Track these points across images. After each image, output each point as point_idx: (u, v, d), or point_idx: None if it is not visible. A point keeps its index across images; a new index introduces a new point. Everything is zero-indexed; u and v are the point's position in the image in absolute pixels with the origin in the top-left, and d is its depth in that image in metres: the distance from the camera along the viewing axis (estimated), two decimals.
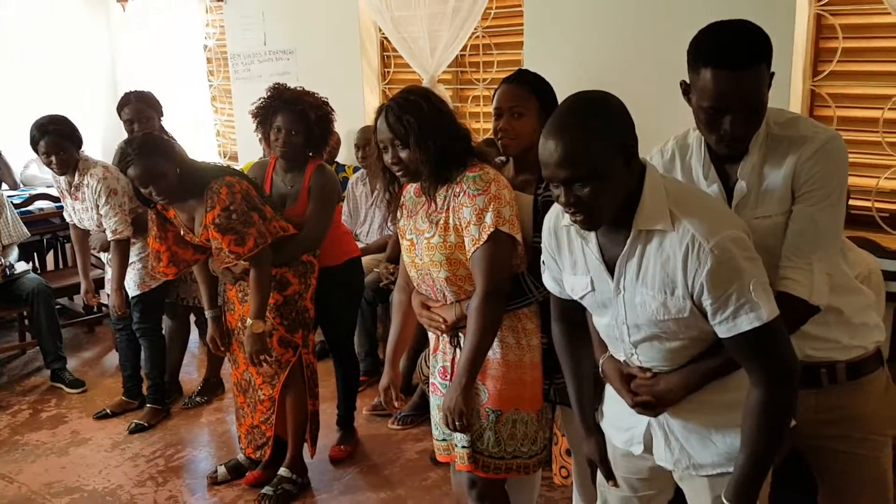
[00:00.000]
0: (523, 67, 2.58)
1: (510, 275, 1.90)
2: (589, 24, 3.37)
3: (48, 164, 3.39)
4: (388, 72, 4.56)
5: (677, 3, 3.06)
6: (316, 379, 2.91)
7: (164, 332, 3.62)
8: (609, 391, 1.64)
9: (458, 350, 1.98)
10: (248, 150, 4.77)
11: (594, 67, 3.33)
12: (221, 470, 3.00)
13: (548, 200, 1.82)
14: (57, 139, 3.29)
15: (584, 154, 1.29)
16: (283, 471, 2.85)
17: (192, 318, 3.96)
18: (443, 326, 1.97)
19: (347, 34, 4.50)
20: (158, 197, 2.58)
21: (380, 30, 4.40)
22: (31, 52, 6.03)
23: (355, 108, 4.42)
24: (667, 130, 1.63)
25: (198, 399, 3.71)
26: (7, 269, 3.85)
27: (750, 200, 1.47)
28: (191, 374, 3.99)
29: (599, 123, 1.31)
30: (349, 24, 4.48)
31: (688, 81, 1.45)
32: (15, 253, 4.06)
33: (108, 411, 3.59)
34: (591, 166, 1.29)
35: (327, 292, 2.84)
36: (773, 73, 1.42)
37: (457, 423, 1.89)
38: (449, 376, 2.00)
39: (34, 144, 3.34)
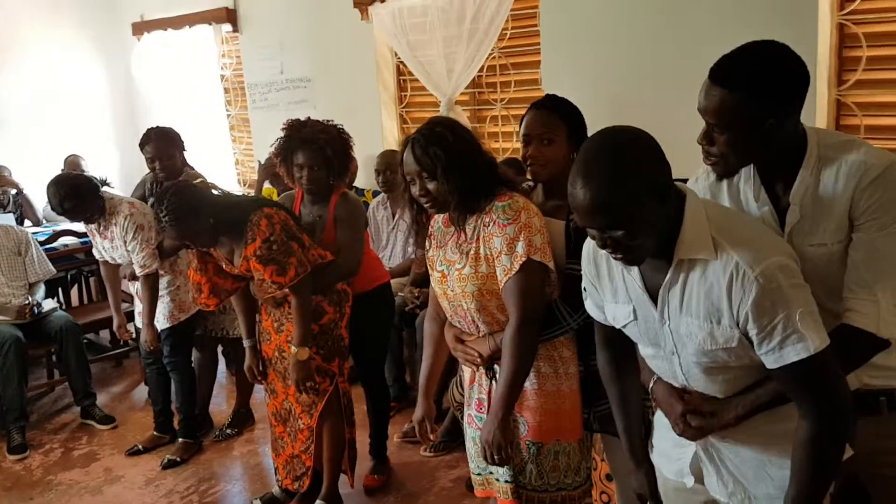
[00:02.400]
0: (544, 90, 2.57)
1: (544, 304, 1.88)
2: (606, 40, 3.37)
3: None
4: (405, 95, 4.58)
5: (696, 19, 3.05)
6: (352, 407, 2.91)
7: (193, 364, 3.63)
8: (658, 420, 1.61)
9: (494, 382, 1.96)
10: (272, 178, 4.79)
11: (612, 84, 3.32)
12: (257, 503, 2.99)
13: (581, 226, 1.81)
14: (75, 206, 3.29)
15: (614, 201, 1.26)
16: (319, 503, 2.84)
17: (220, 349, 3.97)
18: (478, 361, 1.96)
19: (363, 60, 4.53)
20: (197, 248, 2.64)
21: (395, 54, 4.42)
22: (51, 90, 6.11)
23: (373, 132, 4.43)
24: (688, 149, 1.60)
25: (228, 431, 3.71)
26: (35, 308, 3.88)
27: (804, 227, 1.43)
28: (220, 405, 3.98)
29: (629, 167, 1.28)
30: (365, 50, 4.50)
31: None
32: (42, 290, 4.09)
33: (140, 447, 3.59)
34: (622, 213, 1.27)
35: (359, 319, 2.84)
36: (783, 112, 1.36)
37: (496, 457, 1.87)
38: (486, 409, 1.98)
39: (52, 206, 3.35)
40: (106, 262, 3.58)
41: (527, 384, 1.90)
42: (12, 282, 3.93)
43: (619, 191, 1.26)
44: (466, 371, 2.09)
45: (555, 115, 2.01)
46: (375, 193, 4.22)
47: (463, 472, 3.15)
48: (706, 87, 1.37)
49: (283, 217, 2.60)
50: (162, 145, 3.49)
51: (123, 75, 6.48)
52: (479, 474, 2.07)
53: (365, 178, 4.40)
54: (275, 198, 3.68)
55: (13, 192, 5.35)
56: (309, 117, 2.83)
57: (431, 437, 2.18)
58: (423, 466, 3.28)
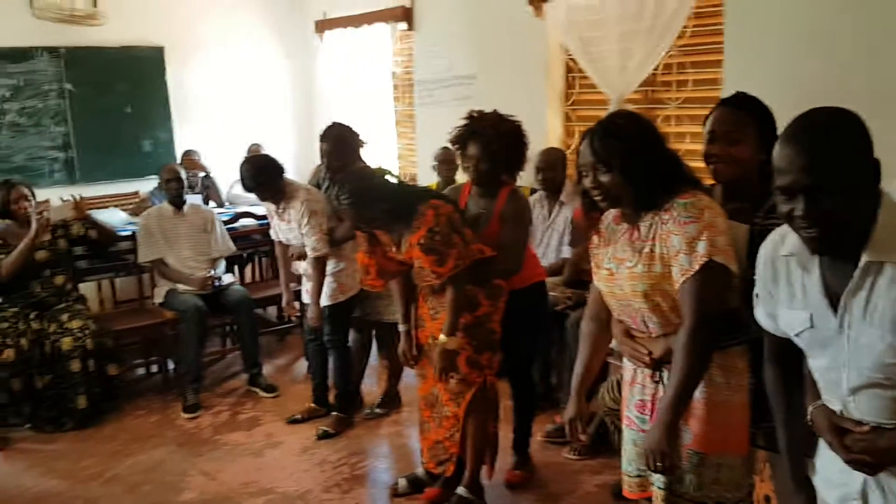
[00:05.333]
0: (726, 91, 2.44)
1: (722, 309, 1.78)
2: (801, 41, 3.12)
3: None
4: (573, 93, 4.52)
5: None
6: (498, 401, 2.91)
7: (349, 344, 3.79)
8: (823, 441, 1.48)
9: (659, 386, 1.88)
10: (428, 172, 4.92)
11: (804, 89, 3.07)
12: (402, 482, 3.07)
13: (766, 229, 1.69)
14: (262, 184, 3.56)
15: (833, 160, 1.18)
16: (461, 490, 2.86)
17: (374, 332, 4.11)
18: (646, 359, 1.88)
19: (532, 56, 4.52)
20: (370, 231, 2.75)
21: (566, 50, 4.38)
22: (238, 84, 6.62)
23: (537, 130, 4.40)
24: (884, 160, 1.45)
25: (378, 410, 3.84)
26: (216, 281, 4.21)
27: None
28: (370, 386, 4.13)
29: (849, 132, 1.20)
30: (534, 47, 4.50)
31: None
32: (222, 265, 4.43)
33: (299, 416, 3.80)
34: (839, 175, 1.18)
35: (512, 315, 2.83)
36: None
37: (658, 464, 1.79)
38: (648, 411, 1.90)
39: (243, 182, 3.62)
40: (280, 243, 3.82)
41: (696, 393, 1.80)
42: (198, 256, 4.29)
43: (841, 150, 1.19)
44: (627, 371, 2.02)
45: (744, 113, 1.90)
46: (533, 191, 4.20)
47: (607, 479, 3.06)
48: None
49: (449, 210, 2.65)
50: (340, 140, 3.60)
51: (304, 71, 6.88)
52: (635, 476, 2.00)
53: (524, 175, 4.38)
54: (434, 189, 3.76)
55: (202, 175, 5.85)
56: (495, 110, 2.83)
57: (582, 437, 2.13)
58: (566, 468, 3.22)
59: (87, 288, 4.34)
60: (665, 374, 1.85)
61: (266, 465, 3.38)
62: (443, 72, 5.23)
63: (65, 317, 3.83)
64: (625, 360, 2.01)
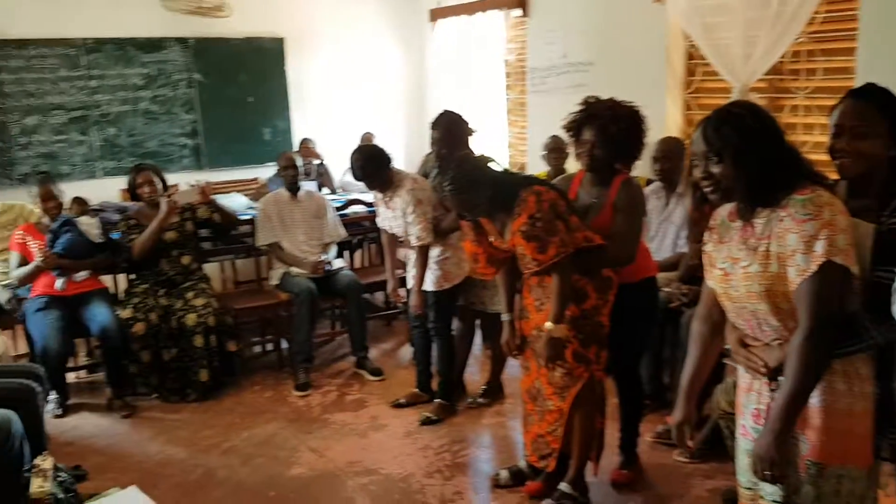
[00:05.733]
0: (859, 80, 2.26)
1: (841, 312, 1.65)
2: None
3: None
4: (693, 81, 4.34)
5: None
6: (605, 397, 2.84)
7: (453, 332, 3.81)
8: None
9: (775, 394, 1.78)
10: (538, 161, 4.86)
11: None
12: (504, 474, 3.06)
13: (894, 228, 1.56)
14: (371, 173, 3.62)
15: None
16: (564, 486, 2.82)
17: (478, 322, 4.11)
18: (762, 370, 1.78)
19: (652, 43, 4.38)
20: (473, 218, 2.74)
21: (687, 37, 4.21)
22: (353, 73, 6.78)
23: (656, 118, 4.22)
24: None
25: (480, 400, 3.84)
26: (327, 265, 4.34)
27: None
28: (473, 375, 4.14)
29: None
30: (654, 33, 4.35)
31: None
32: (333, 250, 4.56)
33: (403, 401, 3.86)
34: None
35: (620, 310, 2.74)
36: None
37: (765, 473, 1.70)
38: (764, 421, 1.80)
39: (353, 171, 3.70)
40: (386, 231, 3.88)
41: (814, 400, 1.69)
42: (311, 240, 4.44)
43: None
44: (742, 377, 1.92)
45: (873, 106, 1.77)
46: (649, 182, 4.07)
47: (720, 484, 2.94)
48: None
49: (553, 196, 2.59)
50: (450, 129, 3.61)
51: (418, 59, 6.96)
52: (748, 489, 1.90)
53: (640, 165, 4.25)
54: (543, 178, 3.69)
55: (316, 162, 6.03)
56: (612, 98, 2.75)
57: (689, 443, 2.05)
58: (676, 471, 3.11)
59: (210, 268, 4.59)
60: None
61: (370, 446, 3.46)
62: (557, 59, 5.15)
63: (190, 294, 4.06)
64: (740, 367, 1.91)
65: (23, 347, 4.10)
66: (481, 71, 6.03)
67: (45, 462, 2.43)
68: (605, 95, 2.80)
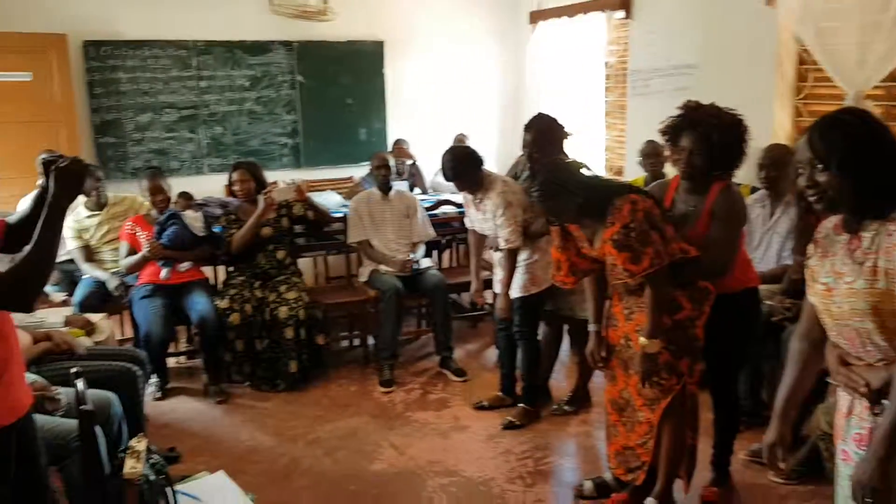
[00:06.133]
0: None
1: None
2: None
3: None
4: (804, 86, 4.12)
5: None
6: (697, 411, 2.73)
7: (539, 337, 3.75)
8: None
9: (879, 419, 1.64)
10: (636, 166, 4.73)
11: None
12: (588, 485, 2.99)
13: None
14: (462, 174, 3.61)
15: None
16: (650, 501, 2.72)
17: (566, 328, 4.03)
18: (863, 390, 1.65)
19: (761, 46, 4.20)
20: (562, 224, 2.69)
21: (799, 41, 4.00)
22: (449, 75, 6.82)
23: (762, 125, 4.07)
24: None
25: (566, 408, 3.77)
26: (414, 265, 4.37)
27: None
28: (559, 381, 4.06)
29: None
30: (764, 36, 4.17)
31: None
32: (422, 250, 4.59)
33: (486, 403, 3.83)
34: None
35: (718, 322, 2.62)
36: None
37: (866, 501, 1.57)
38: (866, 445, 1.67)
39: (444, 171, 3.69)
40: (474, 232, 3.86)
41: None
42: (399, 239, 4.49)
43: None
44: (842, 399, 1.78)
45: None
46: (753, 190, 3.88)
47: None
48: None
49: (648, 205, 2.50)
50: (544, 132, 3.53)
51: (515, 62, 6.93)
52: None
53: (744, 172, 4.07)
54: (640, 184, 3.59)
55: (409, 162, 6.10)
56: (713, 103, 2.64)
57: (781, 465, 1.93)
58: (770, 492, 2.95)
59: (304, 263, 4.71)
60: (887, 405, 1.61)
61: (452, 447, 3.45)
62: (660, 61, 5.02)
63: (283, 288, 4.18)
64: (840, 387, 1.78)
65: (129, 332, 4.32)
66: (580, 73, 5.94)
67: (140, 444, 2.53)
68: (709, 99, 2.68)
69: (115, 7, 5.64)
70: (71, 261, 4.43)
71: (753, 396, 3.46)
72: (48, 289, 4.34)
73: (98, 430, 2.50)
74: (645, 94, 5.19)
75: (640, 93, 5.26)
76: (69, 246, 4.37)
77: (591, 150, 5.76)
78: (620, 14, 5.37)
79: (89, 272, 4.32)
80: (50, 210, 1.78)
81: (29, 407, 1.98)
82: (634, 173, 4.82)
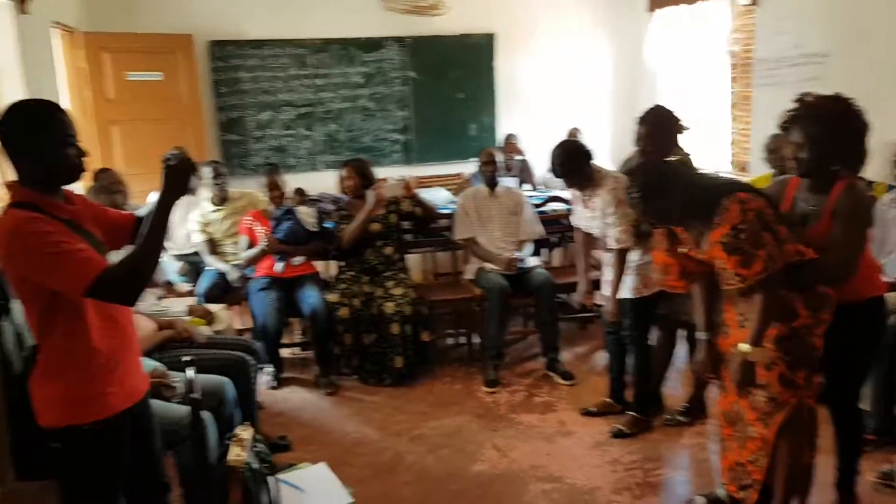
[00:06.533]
0: None
1: None
2: None
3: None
4: None
5: None
6: (816, 427, 2.51)
7: (651, 342, 3.59)
8: None
9: None
10: (761, 161, 4.44)
11: None
12: (700, 500, 2.84)
13: None
14: (569, 169, 3.47)
15: None
16: None
17: (684, 333, 3.85)
18: None
19: None
20: (664, 226, 2.55)
21: None
22: (561, 68, 6.69)
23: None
24: None
25: (680, 418, 3.60)
26: (520, 263, 4.30)
27: None
28: (674, 389, 3.89)
29: None
30: None
31: None
32: (529, 248, 4.51)
33: (594, 409, 3.72)
34: None
35: (839, 332, 2.40)
36: None
37: None
38: None
39: (552, 166, 3.60)
40: (580, 230, 3.73)
41: None
42: (506, 237, 4.43)
43: None
44: None
45: None
46: (891, 188, 3.56)
47: None
48: None
49: (760, 204, 2.32)
50: (659, 125, 3.40)
51: (632, 51, 6.70)
52: None
53: (877, 168, 3.73)
54: (766, 183, 3.35)
55: (519, 158, 6.02)
56: (837, 93, 2.42)
57: None
58: None
59: (413, 259, 4.74)
60: None
61: (556, 453, 3.38)
62: (788, 49, 4.71)
63: (390, 283, 4.23)
64: None
65: (249, 322, 4.50)
66: (703, 63, 5.67)
67: (245, 432, 2.62)
68: (841, 89, 2.46)
69: (239, 8, 5.89)
70: (197, 253, 4.67)
71: (879, 414, 3.17)
72: (174, 278, 4.60)
73: (209, 416, 2.62)
74: (772, 85, 4.90)
75: (767, 83, 4.97)
76: (195, 239, 4.62)
77: (715, 144, 5.48)
78: (745, 0, 5.06)
79: (213, 264, 4.55)
80: (157, 207, 1.85)
81: (144, 393, 2.08)
82: (759, 169, 4.53)
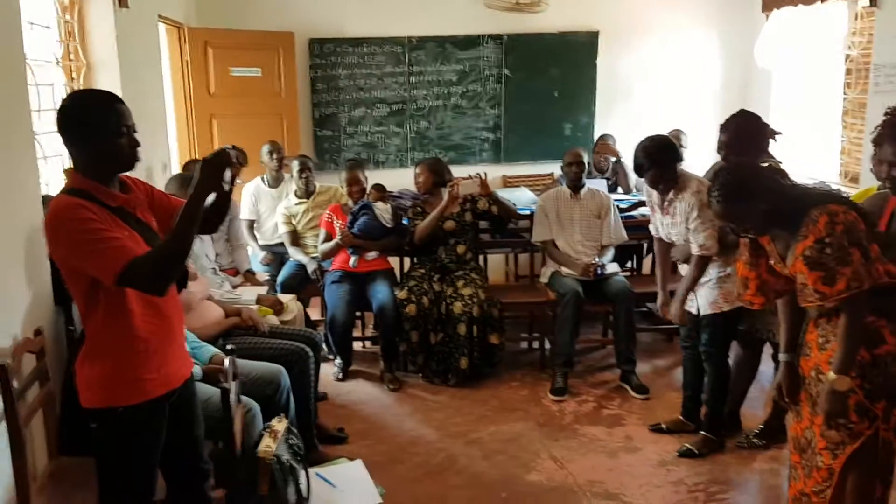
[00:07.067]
0: None
1: None
2: None
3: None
4: None
5: None
6: (892, 462, 2.25)
7: (731, 359, 3.35)
8: None
9: None
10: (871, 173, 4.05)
11: None
12: None
13: None
14: (647, 165, 3.29)
15: None
16: None
17: (769, 351, 3.57)
18: None
19: None
20: (743, 233, 2.34)
21: None
22: (667, 67, 6.39)
23: None
24: None
25: (755, 441, 3.35)
26: (599, 269, 4.12)
27: None
28: (755, 410, 3.61)
29: None
30: None
31: None
32: (609, 254, 4.32)
33: (664, 426, 3.53)
34: None
35: None
36: None
37: None
38: None
39: (637, 170, 3.41)
40: (660, 239, 3.51)
41: None
42: (587, 241, 4.27)
43: None
44: None
45: None
46: None
47: None
48: None
49: (850, 218, 2.09)
50: (743, 131, 3.15)
51: (743, 53, 6.31)
52: None
53: None
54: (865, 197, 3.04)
55: (612, 160, 5.79)
56: None
57: None
58: None
59: (494, 260, 4.64)
60: None
61: (617, 468, 3.21)
62: None
63: (460, 283, 4.17)
64: None
65: (323, 314, 4.57)
66: (816, 66, 5.26)
67: (279, 424, 2.63)
68: None
69: (340, 6, 6.00)
70: (282, 244, 4.79)
71: None
72: (258, 268, 4.74)
73: (256, 406, 2.65)
74: (890, 92, 4.47)
75: (884, 90, 4.55)
76: (280, 230, 4.74)
77: (823, 152, 5.07)
78: (865, 2, 4.69)
79: (294, 255, 4.65)
80: (188, 200, 1.86)
81: (185, 379, 2.11)
82: (870, 181, 4.13)
